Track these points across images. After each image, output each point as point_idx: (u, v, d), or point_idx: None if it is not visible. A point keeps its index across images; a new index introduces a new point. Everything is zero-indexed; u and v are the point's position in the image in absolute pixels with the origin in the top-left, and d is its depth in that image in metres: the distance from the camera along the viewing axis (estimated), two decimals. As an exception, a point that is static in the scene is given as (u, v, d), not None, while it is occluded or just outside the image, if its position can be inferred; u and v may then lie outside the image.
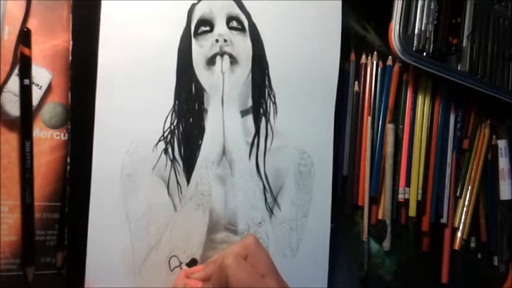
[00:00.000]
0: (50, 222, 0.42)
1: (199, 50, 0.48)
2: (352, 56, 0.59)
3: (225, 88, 0.49)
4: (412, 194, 0.60)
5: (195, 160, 0.48)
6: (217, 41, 0.49)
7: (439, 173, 0.63)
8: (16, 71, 0.41)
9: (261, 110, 0.51)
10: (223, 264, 0.39)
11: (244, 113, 0.50)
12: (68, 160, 0.42)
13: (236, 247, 0.41)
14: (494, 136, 0.70)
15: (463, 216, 0.67)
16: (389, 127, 0.59)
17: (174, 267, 0.46)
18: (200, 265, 0.46)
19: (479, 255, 0.70)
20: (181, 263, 0.46)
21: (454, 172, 0.65)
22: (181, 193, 0.47)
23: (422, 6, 0.59)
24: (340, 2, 0.56)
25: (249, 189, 0.50)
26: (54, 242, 0.42)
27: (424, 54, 0.59)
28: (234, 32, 0.50)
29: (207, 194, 0.48)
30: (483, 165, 0.69)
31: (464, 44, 0.63)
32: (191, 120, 0.48)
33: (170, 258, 0.46)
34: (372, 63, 0.59)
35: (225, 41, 0.49)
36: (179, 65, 0.47)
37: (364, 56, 0.59)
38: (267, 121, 0.52)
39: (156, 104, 0.46)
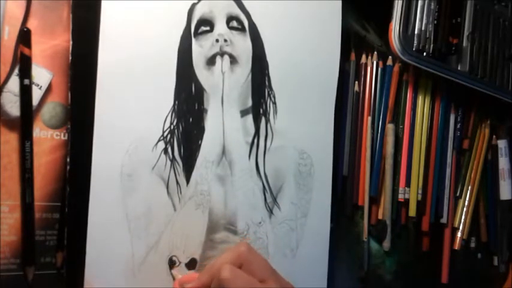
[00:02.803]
0: (50, 222, 0.42)
1: (199, 49, 0.48)
2: (352, 56, 0.59)
3: (224, 88, 0.49)
4: (412, 194, 0.60)
5: (195, 160, 0.48)
6: (217, 40, 0.49)
7: (439, 173, 0.63)
8: (16, 71, 0.41)
9: (261, 110, 0.51)
10: (220, 277, 0.38)
11: (244, 113, 0.50)
12: (68, 160, 0.42)
13: (229, 257, 0.41)
14: (494, 136, 0.70)
15: (463, 216, 0.67)
16: (389, 127, 0.59)
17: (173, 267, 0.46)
18: (194, 273, 0.46)
19: (479, 255, 0.70)
20: (180, 262, 0.46)
21: (454, 172, 0.65)
22: (180, 193, 0.47)
23: (422, 6, 0.59)
24: (340, 2, 0.56)
25: (248, 189, 0.50)
26: (54, 242, 0.42)
27: (424, 54, 0.59)
28: (234, 32, 0.50)
29: (206, 193, 0.48)
30: (483, 165, 0.69)
31: (464, 44, 0.63)
32: (191, 120, 0.48)
33: (170, 258, 0.46)
34: (372, 63, 0.59)
35: (225, 40, 0.49)
36: (179, 65, 0.47)
37: (364, 56, 0.59)
38: (267, 121, 0.52)
39: (156, 104, 0.46)
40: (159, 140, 0.46)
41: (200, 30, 0.48)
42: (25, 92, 0.41)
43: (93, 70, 0.43)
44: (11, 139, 0.41)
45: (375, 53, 0.60)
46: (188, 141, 0.48)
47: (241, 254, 0.41)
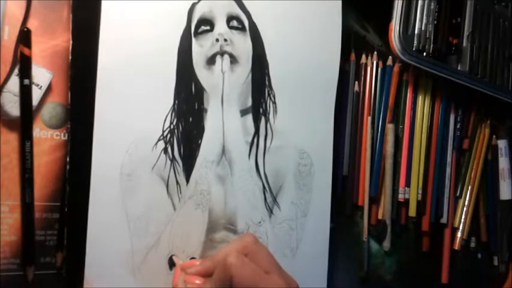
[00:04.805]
0: (50, 222, 0.42)
1: (200, 49, 0.48)
2: (352, 56, 0.59)
3: (224, 88, 0.49)
4: (412, 194, 0.60)
5: (195, 159, 0.48)
6: (217, 40, 0.49)
7: (439, 173, 0.63)
8: (16, 71, 0.41)
9: (261, 110, 0.51)
10: (227, 263, 0.38)
11: (244, 113, 0.50)
12: (68, 160, 0.42)
13: (235, 246, 0.41)
14: (494, 136, 0.70)
15: (463, 216, 0.67)
16: (389, 127, 0.59)
17: (173, 267, 0.46)
18: (195, 260, 0.46)
19: (479, 255, 0.70)
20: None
21: (454, 172, 0.65)
22: (180, 192, 0.47)
23: (422, 6, 0.59)
24: (340, 2, 0.56)
25: (248, 189, 0.50)
26: (54, 242, 0.42)
27: (424, 54, 0.59)
28: (234, 31, 0.50)
29: (206, 193, 0.48)
30: (483, 165, 0.69)
31: (464, 44, 0.63)
32: (191, 119, 0.48)
33: (170, 257, 0.46)
34: (372, 63, 0.59)
35: (225, 40, 0.49)
36: (179, 65, 0.47)
37: (364, 56, 0.59)
38: (267, 121, 0.52)
39: (156, 104, 0.46)
40: (159, 140, 0.46)
41: (200, 30, 0.48)
42: (25, 92, 0.41)
43: (93, 70, 0.43)
44: (11, 139, 0.41)
45: (375, 53, 0.60)
46: (188, 141, 0.48)
47: (247, 244, 0.41)
